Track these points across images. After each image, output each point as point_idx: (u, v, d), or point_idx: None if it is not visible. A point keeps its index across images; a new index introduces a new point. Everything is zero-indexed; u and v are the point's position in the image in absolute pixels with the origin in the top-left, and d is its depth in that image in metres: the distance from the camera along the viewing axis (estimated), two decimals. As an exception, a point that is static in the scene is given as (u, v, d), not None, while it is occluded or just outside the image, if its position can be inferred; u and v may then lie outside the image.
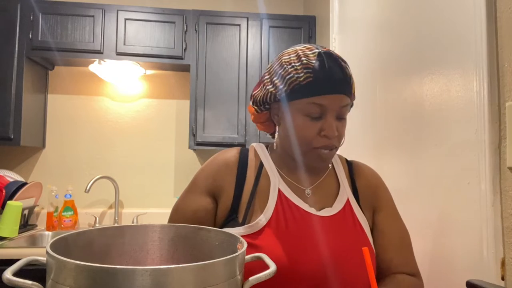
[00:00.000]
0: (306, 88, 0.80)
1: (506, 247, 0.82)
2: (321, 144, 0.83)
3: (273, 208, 0.84)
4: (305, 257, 0.79)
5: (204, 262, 0.48)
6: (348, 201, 0.89)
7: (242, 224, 0.83)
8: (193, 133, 2.48)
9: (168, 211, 2.71)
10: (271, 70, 0.87)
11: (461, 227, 0.95)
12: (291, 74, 0.81)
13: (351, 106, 0.90)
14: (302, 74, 0.80)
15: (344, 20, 1.93)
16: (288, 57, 0.84)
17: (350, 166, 0.96)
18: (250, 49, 2.54)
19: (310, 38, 2.59)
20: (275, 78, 0.85)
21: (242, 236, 0.80)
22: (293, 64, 0.82)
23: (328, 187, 0.91)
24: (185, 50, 2.51)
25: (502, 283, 0.82)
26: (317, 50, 0.82)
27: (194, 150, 2.79)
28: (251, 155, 0.93)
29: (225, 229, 0.82)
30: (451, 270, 0.97)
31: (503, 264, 0.82)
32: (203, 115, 2.49)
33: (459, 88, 0.96)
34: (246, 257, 0.59)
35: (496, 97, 0.85)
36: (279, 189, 0.87)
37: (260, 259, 0.60)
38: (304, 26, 2.59)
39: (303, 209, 0.85)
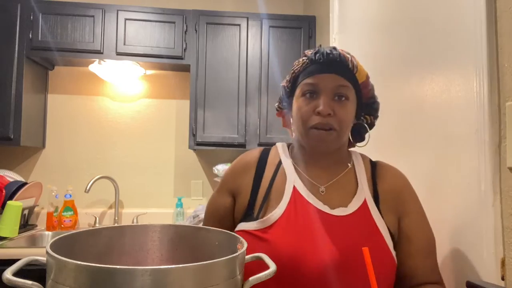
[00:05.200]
0: (301, 73, 0.91)
1: (506, 247, 0.82)
2: (315, 121, 0.85)
3: (286, 204, 0.85)
4: (309, 254, 0.79)
5: (204, 262, 0.49)
6: (365, 202, 0.87)
7: (256, 219, 0.85)
8: (193, 133, 2.48)
9: (168, 211, 2.76)
10: None
11: (461, 227, 0.95)
12: (294, 67, 0.93)
13: (372, 102, 0.93)
14: (300, 64, 0.92)
15: (344, 20, 1.93)
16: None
17: (374, 168, 0.94)
18: (250, 49, 2.54)
19: (310, 38, 2.59)
20: (287, 76, 0.97)
21: (254, 230, 0.84)
22: (298, 60, 0.94)
23: (346, 187, 0.90)
24: (185, 50, 2.51)
25: (502, 283, 0.82)
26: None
27: (194, 150, 2.79)
28: (272, 154, 0.97)
29: (241, 224, 0.88)
30: (451, 270, 0.97)
31: (503, 264, 0.82)
32: (203, 115, 2.49)
33: (459, 88, 0.96)
34: (246, 257, 0.59)
35: (496, 97, 0.85)
36: (294, 186, 0.88)
37: (260, 259, 0.60)
38: (304, 26, 2.59)
39: (316, 207, 0.85)
